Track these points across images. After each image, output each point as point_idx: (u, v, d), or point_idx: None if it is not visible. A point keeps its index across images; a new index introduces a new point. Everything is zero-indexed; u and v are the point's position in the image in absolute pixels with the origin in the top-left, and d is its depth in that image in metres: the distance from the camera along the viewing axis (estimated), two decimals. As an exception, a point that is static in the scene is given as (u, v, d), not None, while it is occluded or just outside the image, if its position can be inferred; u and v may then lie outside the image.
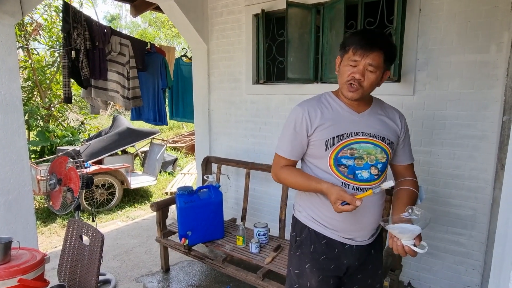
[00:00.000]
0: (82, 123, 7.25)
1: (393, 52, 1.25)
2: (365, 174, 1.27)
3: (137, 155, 6.02)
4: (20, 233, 2.28)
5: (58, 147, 5.33)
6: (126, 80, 3.47)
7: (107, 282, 2.66)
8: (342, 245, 1.33)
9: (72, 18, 2.95)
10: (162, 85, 3.95)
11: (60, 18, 4.92)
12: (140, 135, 5.15)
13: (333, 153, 1.26)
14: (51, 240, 3.53)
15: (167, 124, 4.34)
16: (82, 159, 4.14)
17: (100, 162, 4.62)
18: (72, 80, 3.15)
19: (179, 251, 2.67)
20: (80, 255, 1.67)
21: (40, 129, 6.01)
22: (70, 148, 5.02)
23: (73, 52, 3.01)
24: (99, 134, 5.49)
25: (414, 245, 1.12)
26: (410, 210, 1.18)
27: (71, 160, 2.48)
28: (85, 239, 1.69)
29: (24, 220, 2.34)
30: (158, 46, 4.11)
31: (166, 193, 5.04)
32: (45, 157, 5.44)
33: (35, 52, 6.54)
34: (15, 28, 2.30)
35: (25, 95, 6.32)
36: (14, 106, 2.24)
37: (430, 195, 2.38)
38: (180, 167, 6.63)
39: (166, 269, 2.84)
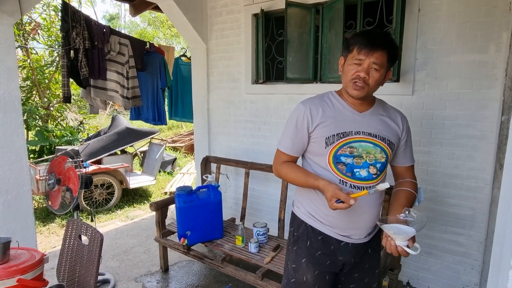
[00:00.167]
0: (81, 122, 7.24)
1: (396, 53, 1.28)
2: (363, 172, 1.28)
3: (136, 154, 6.01)
4: (19, 233, 2.28)
5: (57, 147, 5.32)
6: (125, 80, 3.47)
7: (106, 282, 2.66)
8: (337, 242, 1.35)
9: (71, 18, 2.94)
10: (161, 85, 3.94)
11: (59, 17, 4.92)
12: (139, 134, 5.14)
13: (333, 150, 1.28)
14: (50, 240, 3.52)
15: (166, 124, 4.34)
16: (81, 159, 4.15)
17: (99, 162, 4.62)
18: (71, 80, 3.15)
19: (178, 251, 2.67)
20: (79, 255, 1.67)
21: (39, 128, 6.00)
22: (69, 147, 5.02)
23: (72, 52, 3.01)
24: (98, 134, 5.48)
25: (408, 246, 1.14)
26: (407, 212, 1.20)
27: (70, 159, 2.48)
28: (84, 239, 1.69)
29: (23, 220, 2.34)
30: (157, 45, 4.10)
31: (165, 193, 5.04)
32: (44, 156, 5.43)
33: (34, 52, 6.53)
34: (14, 28, 2.29)
35: (23, 95, 6.31)
36: (12, 106, 2.24)
37: (429, 195, 2.39)
38: (179, 166, 6.63)
39: (165, 269, 2.84)
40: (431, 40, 2.25)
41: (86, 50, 3.09)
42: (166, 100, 4.26)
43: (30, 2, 2.31)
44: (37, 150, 5.83)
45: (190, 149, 7.67)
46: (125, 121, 5.44)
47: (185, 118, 4.26)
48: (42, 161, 4.83)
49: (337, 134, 1.27)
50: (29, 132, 6.17)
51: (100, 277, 2.62)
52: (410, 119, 2.35)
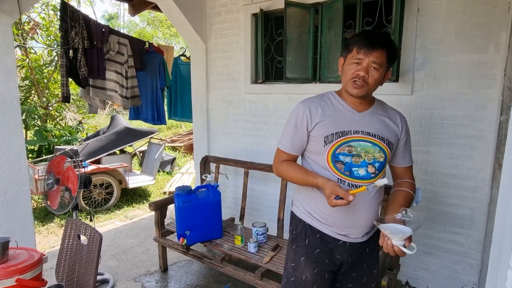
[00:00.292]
0: (80, 122, 7.23)
1: (395, 52, 1.30)
2: (361, 171, 1.29)
3: (135, 154, 6.01)
4: (17, 233, 2.28)
5: (55, 147, 5.31)
6: (124, 80, 3.46)
7: (105, 281, 2.66)
8: (335, 241, 1.36)
9: (70, 17, 2.94)
10: (160, 85, 3.94)
11: (58, 17, 4.91)
12: (138, 134, 5.14)
13: (331, 149, 1.28)
14: (48, 239, 3.52)
15: (165, 124, 4.34)
16: (80, 159, 4.14)
17: (98, 162, 4.61)
18: (70, 79, 3.14)
19: (177, 251, 2.67)
20: (78, 254, 1.66)
21: (37, 128, 5.99)
22: (68, 147, 5.01)
23: (71, 51, 3.00)
24: (97, 134, 5.48)
25: (404, 246, 1.15)
26: (404, 212, 1.21)
27: (69, 159, 2.47)
28: (83, 238, 1.69)
29: (21, 220, 2.33)
30: (156, 45, 4.10)
31: (164, 193, 5.04)
32: (42, 156, 5.42)
33: (33, 51, 6.51)
34: (13, 27, 2.29)
35: (22, 94, 6.30)
36: (11, 105, 2.23)
37: (428, 195, 2.39)
38: (178, 166, 6.63)
39: (164, 268, 2.84)
40: (430, 40, 2.26)
41: (85, 49, 3.08)
42: (165, 99, 4.26)
43: (29, 2, 2.30)
44: (36, 149, 5.82)
45: (189, 149, 7.67)
46: (124, 120, 5.44)
47: (184, 117, 4.26)
48: (41, 160, 4.82)
49: (336, 133, 1.28)
50: (27, 131, 6.15)
51: (99, 277, 2.62)
52: (409, 119, 2.35)
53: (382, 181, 1.23)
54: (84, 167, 2.49)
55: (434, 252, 2.43)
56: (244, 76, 3.16)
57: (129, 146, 5.18)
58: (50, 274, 2.54)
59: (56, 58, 6.43)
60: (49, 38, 6.51)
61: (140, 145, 5.78)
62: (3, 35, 2.17)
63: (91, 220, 2.91)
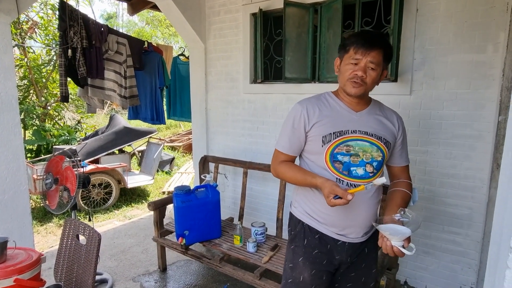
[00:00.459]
0: (79, 122, 7.22)
1: (391, 52, 1.31)
2: (360, 171, 1.29)
3: (134, 154, 6.00)
4: (16, 233, 2.27)
5: (54, 146, 5.30)
6: (123, 79, 3.45)
7: (104, 281, 2.65)
8: (334, 241, 1.36)
9: (68, 17, 2.93)
10: (159, 84, 3.93)
11: (57, 16, 4.90)
12: (137, 134, 5.13)
13: (329, 149, 1.29)
14: (47, 239, 3.51)
15: (164, 123, 4.33)
16: (78, 158, 4.13)
17: (96, 161, 4.61)
18: (68, 79, 3.13)
19: (176, 251, 2.67)
20: (76, 254, 1.66)
21: (36, 128, 5.97)
22: (66, 147, 5.00)
23: (69, 51, 2.99)
24: (95, 133, 5.47)
25: (403, 246, 1.15)
26: (402, 212, 1.22)
27: (68, 159, 2.47)
28: (82, 238, 1.69)
29: (20, 220, 2.33)
30: (155, 45, 4.09)
31: (163, 193, 5.03)
32: (41, 156, 5.41)
33: (31, 51, 6.50)
34: (11, 26, 2.28)
35: (21, 94, 6.28)
36: (10, 105, 2.23)
37: (427, 194, 2.40)
38: (177, 166, 6.62)
39: (163, 268, 2.84)
40: (429, 40, 2.26)
41: (84, 49, 3.07)
42: (164, 99, 4.25)
43: (27, 1, 2.30)
44: (34, 149, 5.80)
45: (188, 149, 7.66)
46: (123, 120, 5.43)
47: (184, 117, 4.25)
48: (40, 160, 4.81)
49: (333, 133, 1.29)
50: (26, 131, 6.14)
51: (98, 277, 2.61)
52: (407, 119, 2.37)
53: (381, 180, 1.23)
54: (82, 167, 2.48)
55: (433, 252, 2.43)
56: (243, 76, 3.16)
57: (128, 145, 5.17)
58: (49, 274, 2.54)
59: (54, 58, 6.41)
60: (47, 38, 6.49)
61: (139, 145, 5.78)
62: (1, 34, 2.16)
63: (89, 220, 2.91)
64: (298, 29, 2.69)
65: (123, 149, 5.19)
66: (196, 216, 2.48)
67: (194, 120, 3.61)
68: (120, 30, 4.18)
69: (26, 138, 5.93)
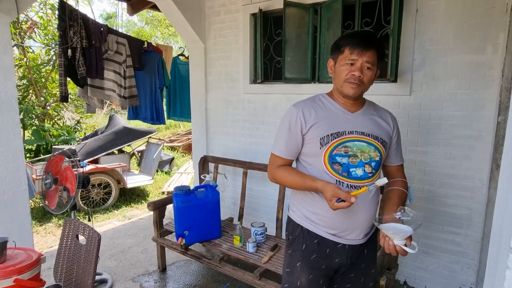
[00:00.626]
0: (78, 122, 7.21)
1: (384, 51, 1.32)
2: (359, 172, 1.29)
3: (133, 154, 6.00)
4: (15, 233, 2.27)
5: (53, 146, 5.30)
6: (122, 79, 3.45)
7: (103, 281, 2.65)
8: (334, 244, 1.35)
9: (68, 16, 2.93)
10: (159, 84, 3.93)
11: (56, 16, 4.89)
12: (137, 134, 5.13)
13: (328, 150, 1.28)
14: (46, 239, 3.51)
15: (164, 123, 4.33)
16: (78, 158, 4.12)
17: (96, 162, 4.60)
18: (68, 79, 3.13)
19: (176, 251, 2.66)
20: (76, 254, 1.66)
21: (35, 128, 5.96)
22: (66, 147, 4.99)
23: (69, 51, 2.99)
24: (95, 133, 5.46)
25: (405, 245, 1.15)
26: (402, 211, 1.21)
27: (67, 159, 2.47)
28: (81, 238, 1.68)
29: (19, 220, 2.33)
30: (155, 45, 4.09)
31: (163, 193, 5.03)
32: (40, 156, 5.40)
33: (31, 50, 6.49)
34: (10, 26, 2.28)
35: (20, 94, 6.27)
36: (9, 105, 2.22)
37: (426, 195, 2.40)
38: (177, 166, 6.61)
39: (162, 268, 2.84)
40: (429, 41, 2.26)
41: (84, 49, 3.07)
42: (164, 99, 4.25)
43: (26, 1, 2.29)
44: (33, 149, 5.79)
45: (188, 149, 7.66)
46: (123, 120, 5.43)
47: (183, 117, 4.25)
48: (39, 160, 4.80)
49: (331, 134, 1.28)
50: (25, 131, 6.13)
51: (97, 277, 2.61)
52: (407, 119, 2.37)
53: (383, 181, 1.23)
54: (82, 167, 2.48)
55: (432, 252, 2.44)
56: (243, 76, 3.16)
57: (128, 146, 5.17)
58: (48, 274, 2.54)
59: (54, 58, 6.40)
60: (47, 37, 6.49)
61: (138, 145, 5.77)
62: (1, 34, 2.16)
63: (89, 220, 2.91)
64: (298, 30, 2.69)
65: (123, 149, 5.19)
66: (196, 216, 2.48)
67: (194, 120, 3.61)
68: (120, 30, 4.18)
69: (26, 138, 5.92)
